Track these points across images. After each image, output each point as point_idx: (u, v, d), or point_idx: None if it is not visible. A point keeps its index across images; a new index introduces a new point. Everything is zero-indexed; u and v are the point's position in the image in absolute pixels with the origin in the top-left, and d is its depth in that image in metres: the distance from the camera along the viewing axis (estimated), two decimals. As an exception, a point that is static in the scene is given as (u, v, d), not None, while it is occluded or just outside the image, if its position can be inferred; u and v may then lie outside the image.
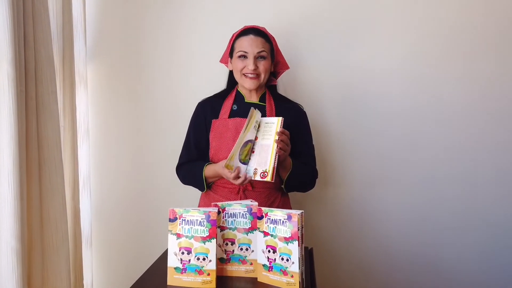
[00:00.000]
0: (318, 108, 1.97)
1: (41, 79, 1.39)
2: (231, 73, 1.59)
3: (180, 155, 1.60)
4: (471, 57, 1.92)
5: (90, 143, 2.03)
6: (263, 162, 1.33)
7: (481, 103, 1.93)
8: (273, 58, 1.52)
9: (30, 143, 1.34)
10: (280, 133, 1.33)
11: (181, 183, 1.61)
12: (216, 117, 1.52)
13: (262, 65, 1.46)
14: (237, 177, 1.33)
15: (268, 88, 1.59)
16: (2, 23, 1.19)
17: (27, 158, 1.32)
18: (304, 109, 1.61)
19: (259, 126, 1.39)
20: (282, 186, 1.51)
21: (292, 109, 1.57)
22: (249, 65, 1.43)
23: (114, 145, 2.06)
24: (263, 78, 1.48)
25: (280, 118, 1.34)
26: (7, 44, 1.19)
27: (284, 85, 1.88)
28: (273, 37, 1.53)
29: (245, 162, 1.35)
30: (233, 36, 1.53)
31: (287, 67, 1.60)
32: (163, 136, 2.03)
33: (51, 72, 1.43)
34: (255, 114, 1.37)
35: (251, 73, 1.45)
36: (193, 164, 1.54)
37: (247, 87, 1.49)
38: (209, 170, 1.46)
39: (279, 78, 1.66)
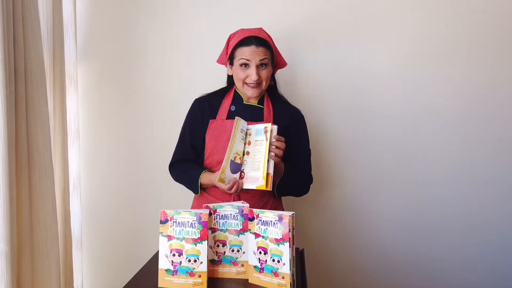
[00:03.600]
0: (315, 108, 1.97)
1: (31, 80, 1.38)
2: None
3: (174, 152, 1.59)
4: (469, 60, 1.92)
5: (80, 145, 2.01)
6: (256, 168, 1.33)
7: (479, 105, 1.94)
8: (273, 63, 1.53)
9: (20, 145, 1.33)
10: (275, 140, 1.35)
11: (171, 182, 1.60)
12: (214, 116, 1.53)
13: (264, 73, 1.46)
14: (232, 187, 1.34)
15: (267, 89, 1.58)
16: (-9, 24, 1.18)
17: (16, 160, 1.31)
18: (302, 113, 1.61)
19: (247, 133, 1.40)
20: (274, 190, 1.50)
21: (289, 112, 1.57)
22: (252, 75, 1.44)
23: (105, 146, 2.05)
24: (264, 86, 1.49)
25: (275, 126, 1.36)
26: (-4, 45, 1.19)
27: (283, 85, 1.86)
28: (271, 38, 1.51)
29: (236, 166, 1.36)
30: (230, 37, 1.51)
31: (285, 64, 1.61)
32: (154, 138, 2.02)
33: (41, 73, 1.42)
34: (240, 123, 1.38)
35: (253, 83, 1.46)
36: (188, 167, 1.54)
37: (249, 95, 1.50)
38: (204, 179, 1.46)
39: (279, 79, 1.65)
